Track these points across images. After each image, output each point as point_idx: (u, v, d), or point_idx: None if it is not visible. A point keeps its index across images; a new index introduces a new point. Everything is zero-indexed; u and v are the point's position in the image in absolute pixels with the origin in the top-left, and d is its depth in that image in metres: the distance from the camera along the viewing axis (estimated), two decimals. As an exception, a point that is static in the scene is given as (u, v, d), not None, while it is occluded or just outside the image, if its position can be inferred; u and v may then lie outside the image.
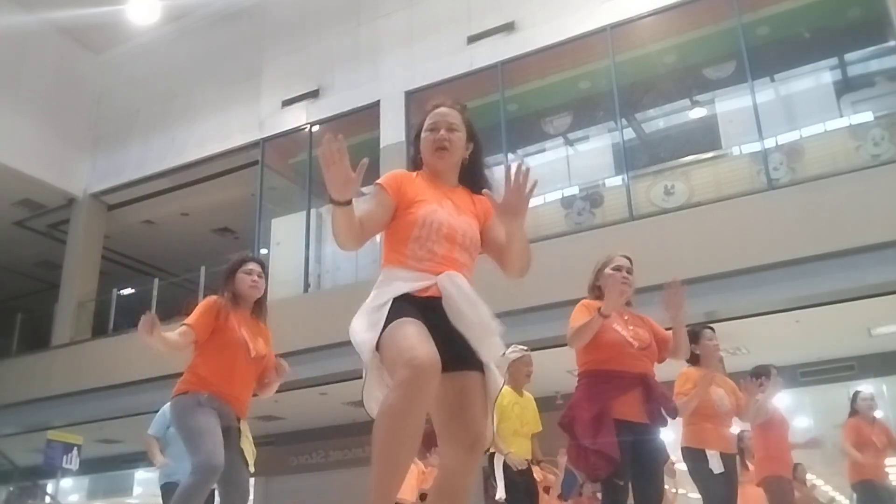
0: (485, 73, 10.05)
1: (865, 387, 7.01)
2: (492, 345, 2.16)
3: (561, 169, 10.61)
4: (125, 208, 13.41)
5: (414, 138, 2.49)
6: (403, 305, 2.12)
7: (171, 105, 12.77)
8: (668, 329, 3.75)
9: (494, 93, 9.94)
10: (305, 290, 10.50)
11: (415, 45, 10.75)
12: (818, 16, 9.52)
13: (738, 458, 4.88)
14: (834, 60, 9.76)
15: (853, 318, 8.16)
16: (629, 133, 10.04)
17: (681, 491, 7.53)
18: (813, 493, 7.68)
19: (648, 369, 3.55)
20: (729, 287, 7.53)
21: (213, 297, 3.67)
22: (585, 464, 3.43)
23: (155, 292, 12.01)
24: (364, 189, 2.14)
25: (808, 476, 8.02)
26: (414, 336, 2.00)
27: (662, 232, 8.08)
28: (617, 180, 9.41)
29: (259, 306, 3.80)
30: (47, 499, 13.26)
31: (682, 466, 4.76)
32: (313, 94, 11.31)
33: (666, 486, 7.58)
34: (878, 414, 6.46)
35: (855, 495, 6.46)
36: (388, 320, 2.08)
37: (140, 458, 14.18)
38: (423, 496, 5.89)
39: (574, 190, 9.75)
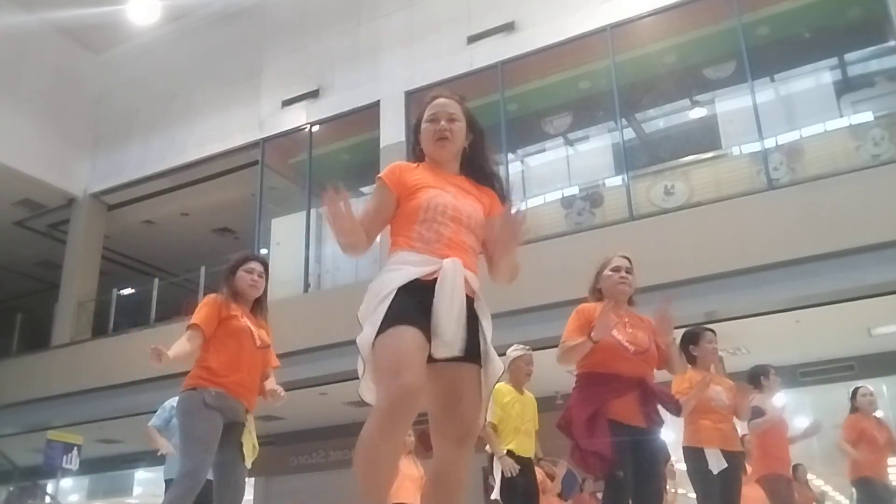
0: (485, 73, 10.04)
1: (863, 384, 6.98)
2: (441, 345, 2.12)
3: (561, 169, 10.62)
4: (125, 208, 13.41)
5: (414, 131, 2.50)
6: (407, 300, 2.12)
7: (171, 105, 12.77)
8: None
9: (494, 93, 9.94)
10: (305, 290, 10.50)
11: (415, 45, 10.75)
12: (818, 16, 9.52)
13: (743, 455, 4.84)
14: (834, 60, 9.76)
15: (853, 318, 8.16)
16: (629, 133, 10.04)
17: (680, 491, 7.53)
18: (813, 494, 7.68)
19: (646, 373, 3.50)
20: (729, 287, 7.53)
21: (212, 295, 3.70)
22: (584, 464, 3.43)
23: (155, 292, 12.02)
24: (364, 189, 2.16)
25: (808, 476, 8.02)
26: (404, 356, 2.02)
27: (662, 232, 8.08)
28: (617, 180, 9.40)
29: (259, 305, 3.81)
30: (47, 499, 13.25)
31: (682, 466, 4.75)
32: (313, 94, 11.31)
33: (666, 486, 7.59)
34: (878, 414, 6.44)
35: (855, 493, 6.45)
36: (388, 318, 2.09)
37: (140, 458, 14.20)
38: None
39: (574, 190, 9.75)
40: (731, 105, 9.51)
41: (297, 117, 11.40)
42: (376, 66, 10.98)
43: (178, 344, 3.50)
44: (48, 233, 14.00)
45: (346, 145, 11.97)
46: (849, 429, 6.13)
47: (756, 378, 5.44)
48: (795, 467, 7.55)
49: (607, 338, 3.45)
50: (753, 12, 9.13)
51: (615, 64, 9.41)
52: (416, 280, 2.16)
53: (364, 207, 2.34)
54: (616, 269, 3.62)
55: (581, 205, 9.49)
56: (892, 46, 8.83)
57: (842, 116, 8.94)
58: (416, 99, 10.25)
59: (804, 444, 6.19)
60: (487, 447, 4.80)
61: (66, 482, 13.83)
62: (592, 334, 3.39)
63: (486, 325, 2.24)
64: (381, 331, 2.08)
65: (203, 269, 11.64)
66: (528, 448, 4.90)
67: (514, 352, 4.99)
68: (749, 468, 5.71)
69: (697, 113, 10.66)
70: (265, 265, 3.84)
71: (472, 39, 10.22)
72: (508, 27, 10.02)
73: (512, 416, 4.84)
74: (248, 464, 3.60)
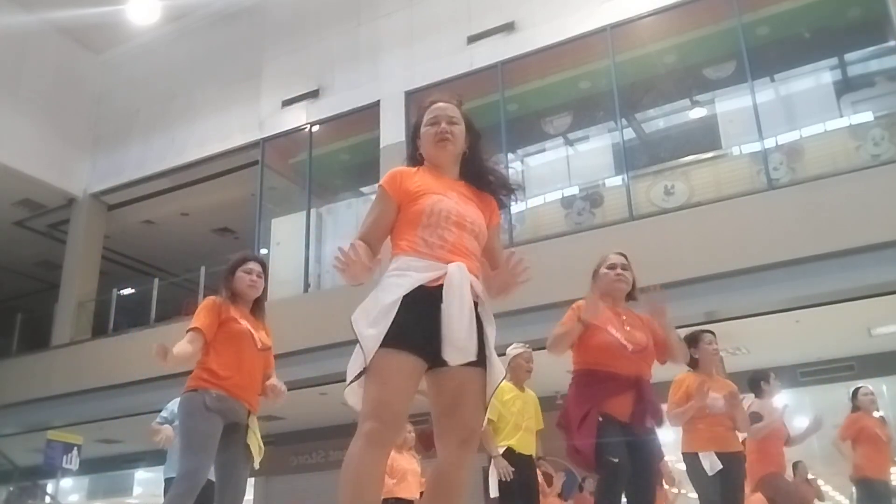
0: (485, 73, 10.05)
1: (864, 383, 6.98)
2: (454, 350, 2.15)
3: (561, 169, 10.62)
4: (125, 208, 13.41)
5: (412, 136, 2.50)
6: (410, 316, 2.13)
7: (171, 105, 12.77)
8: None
9: (494, 93, 9.94)
10: (305, 290, 10.50)
11: (415, 45, 10.75)
12: (818, 16, 9.52)
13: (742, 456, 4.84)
14: (834, 60, 9.76)
15: (853, 318, 8.16)
16: (629, 133, 10.04)
17: (682, 491, 7.53)
18: (814, 490, 7.67)
19: (643, 372, 3.49)
20: (729, 287, 7.53)
21: (211, 297, 3.71)
22: (578, 460, 3.43)
23: (155, 292, 12.02)
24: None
25: (808, 477, 8.02)
26: (394, 386, 2.08)
27: (662, 232, 8.08)
28: (617, 180, 9.41)
29: (258, 306, 3.81)
30: (47, 499, 13.25)
31: (682, 466, 4.76)
32: (313, 94, 11.31)
33: (665, 487, 7.60)
34: (878, 413, 6.44)
35: (855, 493, 6.44)
36: (389, 336, 2.10)
37: (140, 458, 14.22)
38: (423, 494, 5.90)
39: (574, 190, 9.75)
40: (731, 105, 9.51)
41: (297, 117, 11.40)
42: (376, 66, 10.98)
43: (179, 344, 3.50)
44: (48, 233, 14.00)
45: (346, 145, 11.97)
46: (847, 427, 6.12)
47: (756, 383, 5.45)
48: (796, 464, 7.56)
49: (605, 336, 3.45)
50: (753, 12, 9.13)
51: (615, 64, 9.41)
52: (421, 287, 2.17)
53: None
54: (612, 267, 3.62)
55: (581, 205, 9.49)
56: (892, 46, 8.83)
57: (842, 116, 8.94)
58: (416, 99, 10.25)
59: (805, 444, 6.17)
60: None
61: (66, 482, 13.84)
62: (581, 315, 3.39)
63: (490, 331, 2.27)
64: (381, 345, 2.10)
65: (203, 269, 11.65)
66: (528, 445, 4.91)
67: (513, 349, 5.03)
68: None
69: (697, 113, 10.66)
70: (264, 265, 3.85)
71: (472, 39, 10.22)
72: (508, 27, 10.03)
73: (512, 413, 4.86)
74: (257, 464, 3.61)
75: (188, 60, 12.89)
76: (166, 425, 5.37)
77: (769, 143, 8.54)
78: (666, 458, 7.12)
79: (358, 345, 2.14)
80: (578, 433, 3.34)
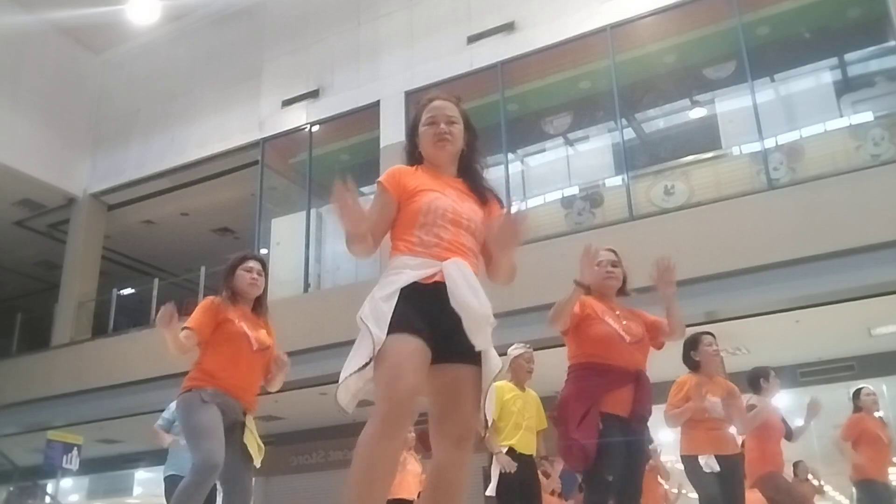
0: (485, 73, 10.05)
1: (865, 384, 6.98)
2: (487, 334, 2.18)
3: (561, 169, 10.61)
4: (125, 208, 13.41)
5: (410, 134, 2.49)
6: (409, 305, 2.14)
7: (171, 105, 12.77)
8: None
9: (494, 93, 9.94)
10: (305, 290, 10.50)
11: (415, 45, 10.76)
12: (818, 16, 9.52)
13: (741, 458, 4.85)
14: (834, 60, 9.76)
15: (853, 318, 8.16)
16: (629, 133, 10.04)
17: (682, 491, 7.53)
18: (814, 488, 7.67)
19: (642, 364, 3.52)
20: (729, 287, 7.53)
21: (210, 297, 3.72)
22: (574, 458, 3.40)
23: (155, 292, 12.01)
24: (364, 189, 2.16)
25: (809, 477, 8.02)
26: (403, 359, 2.05)
27: (662, 232, 8.07)
28: (617, 180, 9.41)
29: (259, 304, 3.81)
30: (47, 499, 13.26)
31: (681, 467, 4.77)
32: (313, 94, 11.31)
33: (665, 487, 7.60)
34: (878, 414, 6.44)
35: (855, 493, 6.44)
36: (394, 322, 2.10)
37: (140, 458, 14.21)
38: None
39: (574, 190, 9.75)
40: (731, 105, 9.51)
41: (297, 117, 11.41)
42: (376, 66, 10.98)
43: (175, 336, 3.52)
44: (48, 233, 14.01)
45: (346, 145, 11.97)
46: (850, 428, 6.10)
47: (756, 380, 5.45)
48: (796, 464, 7.56)
49: (604, 327, 3.46)
50: (753, 12, 9.13)
51: (615, 64, 9.41)
52: (416, 284, 2.18)
53: (366, 212, 2.34)
54: (600, 264, 3.62)
55: (581, 205, 9.49)
56: (892, 46, 8.83)
57: (842, 116, 8.94)
58: (415, 99, 10.21)
59: (804, 444, 6.18)
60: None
61: (66, 482, 13.83)
62: (578, 277, 3.38)
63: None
64: (387, 332, 2.10)
65: (203, 269, 11.65)
66: (529, 445, 4.92)
67: (514, 350, 5.05)
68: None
69: (697, 113, 10.66)
70: (263, 264, 3.85)
71: (472, 39, 10.22)
72: (508, 27, 10.03)
73: (513, 413, 4.86)
74: (257, 463, 3.60)
75: (188, 60, 12.89)
76: (166, 434, 5.43)
77: (769, 143, 8.54)
78: (665, 459, 7.17)
79: (363, 334, 2.14)
80: (578, 431, 3.33)
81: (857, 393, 6.29)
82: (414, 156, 2.47)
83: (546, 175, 10.76)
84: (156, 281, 12.30)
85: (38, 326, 13.12)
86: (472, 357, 2.19)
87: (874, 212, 7.15)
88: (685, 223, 8.13)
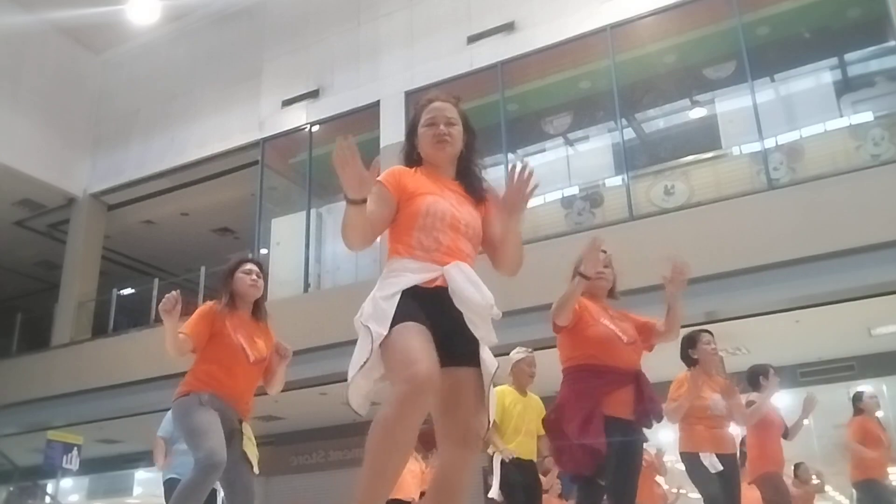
0: (485, 73, 10.05)
1: (865, 387, 7.00)
2: (489, 326, 2.19)
3: (561, 169, 10.60)
4: (125, 208, 13.41)
5: (408, 135, 2.48)
6: (411, 303, 2.14)
7: (171, 105, 12.77)
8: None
9: (494, 93, 9.94)
10: (305, 290, 10.49)
11: (415, 45, 10.76)
12: (818, 16, 9.52)
13: (738, 457, 4.87)
14: (834, 60, 9.75)
15: (853, 318, 8.16)
16: (629, 133, 10.04)
17: (681, 491, 7.53)
18: (814, 488, 7.67)
19: (638, 364, 3.51)
20: (729, 287, 7.53)
21: (208, 304, 3.70)
22: (572, 462, 3.35)
23: (155, 292, 12.00)
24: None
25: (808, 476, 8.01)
26: (417, 349, 2.02)
27: (662, 232, 8.07)
28: (617, 180, 9.40)
29: (258, 307, 3.82)
30: (47, 499, 13.26)
31: (681, 466, 4.78)
32: (313, 94, 11.31)
33: (665, 487, 7.59)
34: (878, 414, 6.45)
35: (855, 494, 6.45)
36: (397, 316, 2.09)
37: (140, 458, 14.21)
38: (423, 494, 5.91)
39: (574, 190, 9.75)
40: (731, 105, 9.50)
41: (297, 117, 11.40)
42: (376, 66, 10.98)
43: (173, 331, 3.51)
44: (48, 233, 14.01)
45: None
46: (858, 431, 6.12)
47: (755, 378, 5.45)
48: (797, 465, 7.56)
49: (600, 328, 3.44)
50: (753, 12, 9.13)
51: (615, 64, 9.41)
52: (417, 287, 2.18)
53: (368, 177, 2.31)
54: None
55: (581, 205, 9.49)
56: (892, 46, 8.83)
57: (842, 116, 8.93)
58: (415, 99, 10.21)
59: (804, 444, 6.19)
60: (490, 449, 4.82)
61: (66, 482, 13.83)
62: (581, 269, 3.34)
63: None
64: (392, 324, 2.09)
65: (203, 269, 11.64)
66: (529, 450, 4.92)
67: (516, 354, 5.05)
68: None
69: (697, 113, 10.65)
70: (261, 267, 3.88)
71: (472, 39, 10.22)
72: (508, 27, 10.03)
73: (513, 417, 4.86)
74: (257, 470, 3.59)
75: (188, 60, 12.89)
76: (161, 457, 5.36)
77: (769, 143, 8.54)
78: (665, 458, 7.16)
79: (363, 335, 2.12)
80: (579, 435, 3.27)
81: (859, 396, 6.31)
82: (412, 157, 2.46)
83: (546, 175, 10.74)
84: (156, 281, 12.29)
85: (38, 326, 13.12)
86: (473, 359, 2.20)
87: (874, 212, 7.15)
88: (685, 223, 8.13)
